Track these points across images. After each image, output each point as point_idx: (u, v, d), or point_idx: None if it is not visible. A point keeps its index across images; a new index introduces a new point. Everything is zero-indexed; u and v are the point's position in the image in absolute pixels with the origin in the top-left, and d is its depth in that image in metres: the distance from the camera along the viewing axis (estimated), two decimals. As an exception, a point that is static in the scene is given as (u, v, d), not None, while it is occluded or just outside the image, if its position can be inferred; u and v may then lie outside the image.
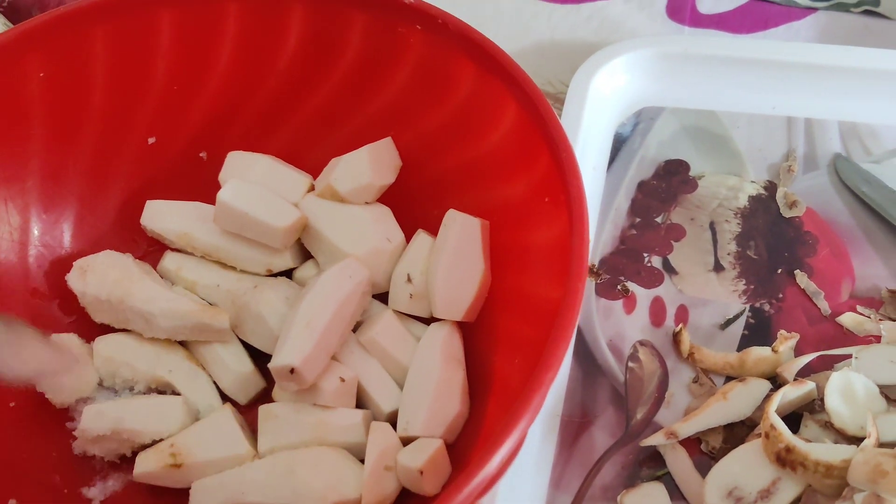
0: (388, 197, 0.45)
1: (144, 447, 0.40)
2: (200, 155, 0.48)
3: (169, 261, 0.45)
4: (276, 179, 0.45)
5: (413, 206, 0.45)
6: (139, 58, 0.46)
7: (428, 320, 0.42)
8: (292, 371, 0.38)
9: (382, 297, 0.43)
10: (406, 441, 0.38)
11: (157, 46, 0.46)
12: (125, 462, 0.41)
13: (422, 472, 0.36)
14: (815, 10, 0.58)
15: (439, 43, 0.43)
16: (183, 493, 0.39)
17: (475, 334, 0.41)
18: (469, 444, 0.38)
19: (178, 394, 0.42)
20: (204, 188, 0.46)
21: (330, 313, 0.40)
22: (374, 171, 0.44)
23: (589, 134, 0.51)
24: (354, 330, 0.42)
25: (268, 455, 0.39)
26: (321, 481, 0.37)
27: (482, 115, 0.42)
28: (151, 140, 0.47)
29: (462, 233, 0.42)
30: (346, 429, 0.39)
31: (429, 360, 0.40)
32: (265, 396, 0.42)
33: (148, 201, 0.46)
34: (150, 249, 0.46)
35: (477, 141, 0.42)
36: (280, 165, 0.46)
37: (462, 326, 0.41)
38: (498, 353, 0.40)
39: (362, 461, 0.38)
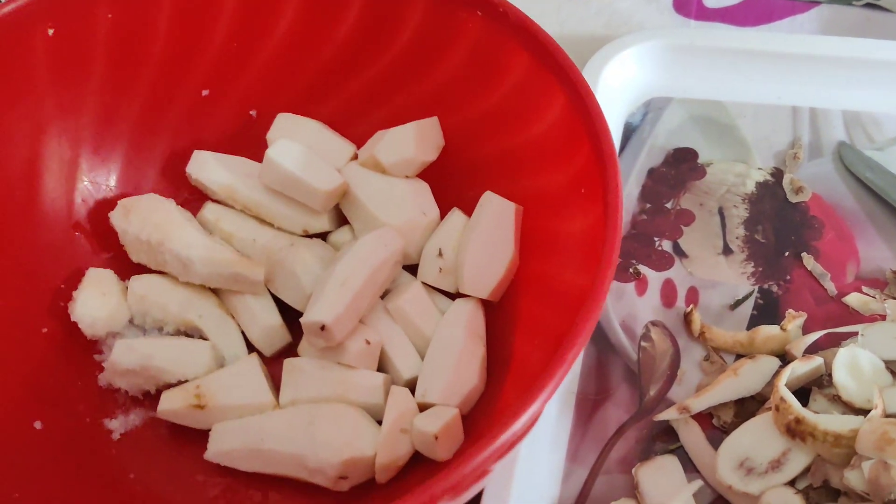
0: (429, 175, 0.46)
1: (169, 386, 0.42)
2: (251, 113, 0.49)
3: (209, 211, 0.46)
4: (322, 144, 0.46)
5: (451, 186, 0.46)
6: (203, 11, 0.47)
7: (454, 296, 0.43)
8: (323, 328, 0.39)
9: (412, 269, 0.45)
10: (423, 407, 0.39)
11: (223, 2, 0.47)
12: (148, 399, 0.43)
13: (437, 438, 0.37)
14: (818, 3, 0.60)
15: (496, 30, 0.44)
16: (200, 435, 0.40)
17: (498, 315, 0.42)
18: (481, 417, 0.40)
19: (206, 339, 0.43)
20: (250, 145, 0.48)
21: (364, 277, 0.41)
22: (417, 146, 0.46)
23: (600, 123, 0.52)
24: (383, 297, 0.43)
25: (288, 407, 0.40)
26: (339, 436, 0.38)
27: (529, 105, 0.43)
28: (205, 93, 0.48)
29: (496, 214, 0.43)
30: (367, 389, 0.40)
31: (452, 333, 0.41)
32: (289, 351, 0.44)
33: (195, 151, 0.47)
34: (191, 198, 0.47)
35: (521, 129, 0.44)
36: (327, 131, 0.47)
37: (485, 305, 0.43)
38: (518, 335, 0.41)
39: (378, 422, 0.39)
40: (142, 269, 0.45)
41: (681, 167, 0.51)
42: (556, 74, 0.41)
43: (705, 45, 0.54)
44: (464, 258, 0.43)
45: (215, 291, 0.44)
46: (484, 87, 0.45)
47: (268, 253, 0.44)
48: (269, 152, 0.44)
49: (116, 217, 0.45)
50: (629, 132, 0.53)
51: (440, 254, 0.44)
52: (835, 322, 0.44)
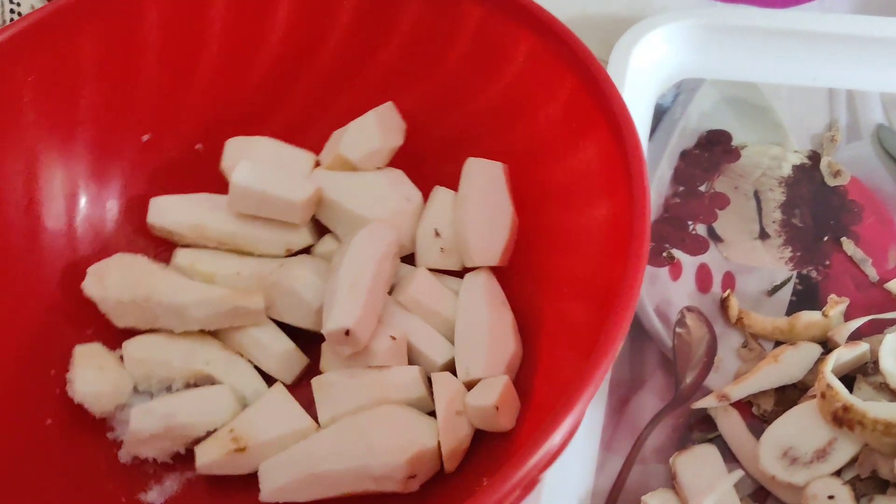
0: (434, 172, 0.45)
1: (198, 441, 0.39)
2: (196, 147, 0.47)
3: (181, 257, 0.44)
4: (280, 158, 0.45)
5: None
6: (127, 55, 0.45)
7: (459, 274, 0.42)
8: (347, 333, 0.38)
9: (408, 261, 0.43)
10: (469, 385, 0.38)
11: (145, 41, 0.45)
12: (179, 460, 0.40)
13: (497, 408, 0.36)
14: (850, -17, 0.59)
15: (498, 15, 0.42)
16: (244, 482, 0.38)
17: (517, 276, 0.42)
18: (529, 382, 0.38)
19: (219, 383, 0.41)
20: (204, 180, 0.46)
21: (371, 274, 0.40)
22: (382, 134, 0.44)
23: (630, 105, 0.50)
24: (390, 293, 0.42)
25: (330, 425, 0.38)
26: (395, 436, 0.37)
27: (537, 91, 0.42)
28: (146, 137, 0.46)
29: (485, 178, 0.43)
30: (405, 385, 0.39)
31: (474, 307, 0.40)
32: (308, 375, 0.42)
33: (152, 199, 0.45)
34: (159, 250, 0.45)
35: (530, 117, 0.42)
36: (281, 145, 0.46)
37: (500, 272, 0.42)
38: (546, 293, 0.40)
39: (427, 415, 0.38)
40: (130, 333, 0.42)
41: (714, 150, 0.50)
42: (563, 57, 0.40)
43: (737, 24, 0.53)
44: (465, 231, 0.42)
45: (214, 334, 0.42)
46: (488, 75, 0.44)
47: (257, 281, 0.42)
48: (235, 177, 0.42)
49: (90, 286, 0.42)
50: (660, 114, 0.52)
51: (437, 234, 0.42)
52: (877, 308, 0.43)
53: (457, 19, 0.44)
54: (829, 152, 0.49)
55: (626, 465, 0.40)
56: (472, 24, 0.44)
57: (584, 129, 0.40)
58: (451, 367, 0.39)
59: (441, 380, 0.38)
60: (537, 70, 0.42)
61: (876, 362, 0.39)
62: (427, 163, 0.45)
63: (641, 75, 0.52)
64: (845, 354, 0.39)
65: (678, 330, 0.44)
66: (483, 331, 0.39)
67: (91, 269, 0.42)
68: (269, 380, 0.42)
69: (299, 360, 0.42)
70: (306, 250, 0.44)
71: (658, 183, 0.49)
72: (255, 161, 0.44)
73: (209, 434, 0.39)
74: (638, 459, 0.40)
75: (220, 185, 0.45)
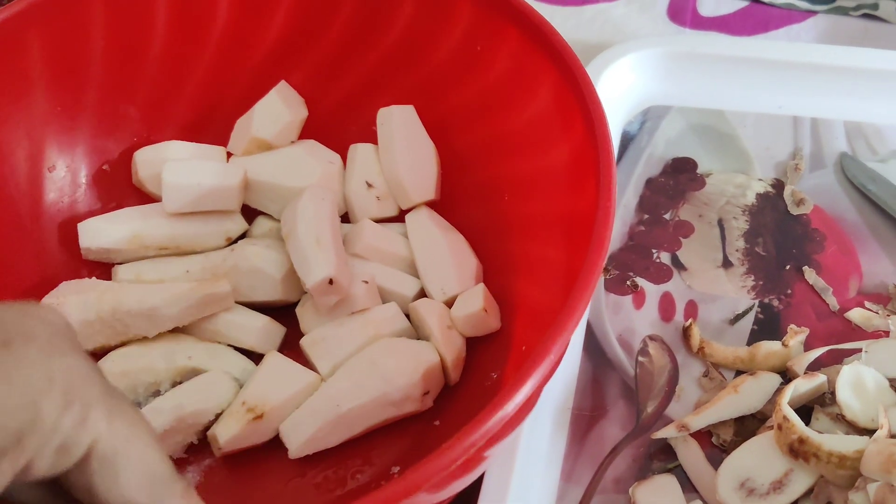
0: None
1: (208, 427, 0.40)
2: (104, 168, 0.47)
3: (123, 272, 0.44)
4: (192, 156, 0.46)
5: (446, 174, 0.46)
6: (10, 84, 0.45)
7: (398, 219, 0.45)
8: (331, 281, 0.40)
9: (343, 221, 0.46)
10: (448, 303, 0.42)
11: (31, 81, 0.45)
12: (193, 452, 0.41)
13: (486, 311, 0.41)
14: (814, 13, 0.59)
15: (485, 13, 0.43)
16: (262, 456, 0.40)
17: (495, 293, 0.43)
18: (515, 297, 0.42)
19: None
20: (120, 197, 0.47)
21: (329, 230, 0.42)
22: (289, 109, 0.47)
23: (596, 132, 0.51)
24: None
25: (332, 374, 0.40)
26: (403, 361, 0.39)
27: (517, 88, 0.43)
28: (52, 168, 0.46)
29: (401, 122, 0.46)
30: (390, 320, 0.41)
31: (428, 236, 0.44)
32: (286, 345, 0.43)
33: (79, 224, 0.45)
34: (95, 274, 0.45)
35: (513, 110, 0.43)
36: (189, 145, 0.47)
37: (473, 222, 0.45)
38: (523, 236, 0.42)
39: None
40: (100, 354, 0.42)
41: (679, 177, 0.50)
42: (547, 53, 0.41)
43: (705, 52, 0.53)
44: (398, 174, 0.44)
45: (186, 330, 0.43)
46: (473, 71, 0.45)
47: (209, 275, 0.43)
48: (167, 177, 0.44)
49: None
50: (627, 141, 0.52)
51: (370, 185, 0.45)
52: (837, 338, 0.43)
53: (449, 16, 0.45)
54: (792, 181, 0.49)
55: (587, 495, 0.40)
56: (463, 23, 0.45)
57: (536, 80, 0.41)
58: (420, 298, 0.42)
59: (424, 304, 0.41)
60: (519, 65, 0.43)
61: (833, 393, 0.39)
62: (449, 171, 0.47)
63: (609, 102, 0.51)
64: (803, 386, 0.39)
65: (641, 359, 0.44)
66: (444, 253, 0.43)
67: (45, 302, 0.42)
68: (252, 358, 0.43)
69: (277, 330, 0.43)
70: (241, 237, 0.46)
71: (623, 211, 0.49)
72: (176, 162, 0.45)
73: (218, 416, 0.40)
74: (598, 490, 0.40)
75: (136, 199, 0.46)
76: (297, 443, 0.39)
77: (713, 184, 0.50)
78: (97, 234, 0.45)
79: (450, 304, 0.42)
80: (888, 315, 0.44)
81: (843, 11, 0.59)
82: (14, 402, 0.22)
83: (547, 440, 0.41)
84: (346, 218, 0.46)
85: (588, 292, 0.32)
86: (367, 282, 0.42)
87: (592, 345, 0.44)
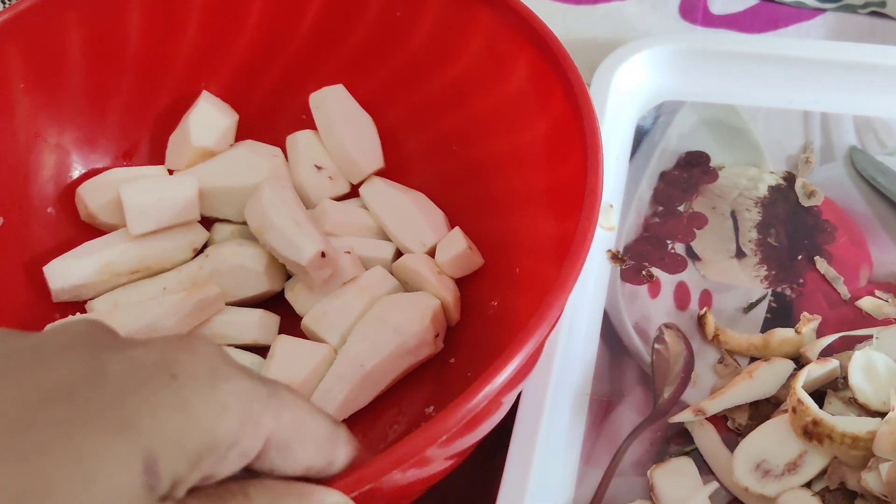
0: (397, 161, 0.49)
1: None
2: (48, 211, 0.47)
3: (99, 304, 0.45)
4: (137, 179, 0.47)
5: (416, 168, 0.49)
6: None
7: (350, 196, 0.48)
8: (323, 254, 0.42)
9: None
10: (430, 253, 0.45)
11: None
12: None
13: (470, 248, 0.44)
14: (823, 10, 0.60)
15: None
16: None
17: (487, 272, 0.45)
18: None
19: None
20: (72, 236, 0.47)
21: (301, 211, 0.44)
22: (222, 114, 0.49)
23: (612, 127, 0.52)
24: None
25: (342, 344, 0.42)
26: (408, 312, 0.42)
27: (494, 67, 0.44)
28: (50, 210, 0.47)
29: (335, 101, 0.48)
30: (381, 281, 0.44)
31: (390, 198, 0.46)
32: (281, 332, 0.45)
33: (44, 268, 0.45)
34: (70, 314, 0.45)
35: (491, 90, 0.45)
36: (129, 169, 0.48)
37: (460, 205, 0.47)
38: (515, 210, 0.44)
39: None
40: None
41: (693, 170, 0.51)
42: (523, 32, 0.43)
43: (716, 49, 0.55)
44: (346, 150, 0.47)
45: None
46: (447, 58, 0.46)
47: (190, 284, 0.45)
48: (127, 200, 0.44)
49: None
50: (641, 136, 0.53)
51: (319, 168, 0.47)
52: (848, 326, 0.44)
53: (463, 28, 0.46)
54: (803, 173, 0.50)
55: (606, 477, 0.41)
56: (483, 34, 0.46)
57: (514, 58, 0.43)
58: (397, 259, 0.45)
59: (411, 259, 0.44)
60: (495, 46, 0.45)
61: (846, 378, 0.40)
62: (424, 158, 0.49)
63: (623, 98, 0.54)
64: (816, 370, 0.40)
65: (657, 346, 0.45)
66: (412, 209, 0.46)
67: None
68: (254, 352, 0.44)
69: (273, 320, 0.45)
70: (204, 247, 0.47)
71: (638, 203, 0.50)
72: (131, 184, 0.45)
73: None
74: (617, 472, 0.41)
75: (88, 235, 0.46)
76: (332, 410, 0.41)
77: (726, 177, 0.51)
78: (65, 272, 0.44)
79: (430, 254, 0.45)
80: (898, 303, 0.45)
81: (851, 9, 0.60)
82: (192, 429, 0.23)
83: (566, 425, 0.42)
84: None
85: (596, 207, 0.35)
86: (349, 252, 0.45)
87: (609, 333, 0.46)
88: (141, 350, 0.24)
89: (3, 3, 0.56)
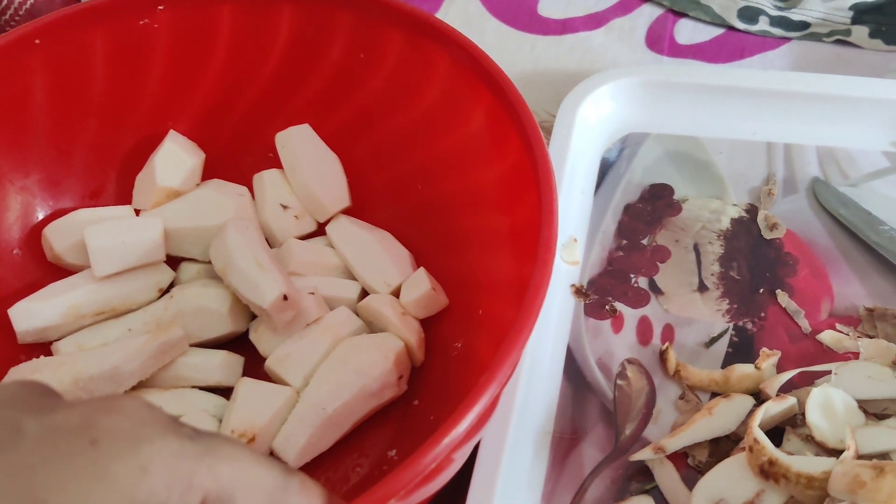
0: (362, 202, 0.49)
1: None
2: (14, 253, 0.47)
3: (65, 346, 0.44)
4: (100, 220, 0.47)
5: (381, 206, 0.49)
6: None
7: (317, 234, 0.48)
8: (285, 297, 0.42)
9: None
10: (394, 293, 0.45)
11: None
12: None
13: (434, 289, 0.44)
14: (788, 39, 0.61)
15: (420, 41, 0.46)
16: None
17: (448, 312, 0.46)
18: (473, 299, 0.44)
19: None
20: (39, 277, 0.47)
21: (264, 252, 0.44)
22: (188, 153, 0.49)
23: (576, 159, 0.52)
24: None
25: (305, 386, 0.42)
26: (371, 353, 0.42)
27: (454, 109, 0.45)
28: (17, 252, 0.47)
29: (301, 140, 0.48)
30: (344, 322, 0.44)
31: (356, 238, 0.47)
32: (245, 373, 0.45)
33: (9, 311, 0.45)
34: (35, 356, 0.44)
35: (449, 133, 0.46)
36: (95, 210, 0.48)
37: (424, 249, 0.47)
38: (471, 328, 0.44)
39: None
40: None
41: (657, 203, 0.52)
42: (480, 77, 0.43)
43: (681, 81, 0.55)
44: (311, 190, 0.48)
45: (147, 384, 0.43)
46: (408, 99, 0.47)
47: (155, 325, 0.45)
48: (91, 243, 0.44)
49: None
50: (606, 168, 0.54)
51: (285, 207, 0.47)
52: (809, 359, 0.45)
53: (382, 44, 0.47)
54: (766, 206, 0.51)
55: (567, 516, 0.41)
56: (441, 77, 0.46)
57: (473, 102, 0.44)
58: (362, 298, 0.45)
59: (375, 299, 0.44)
60: (454, 89, 0.45)
61: (804, 414, 0.41)
62: (379, 197, 0.50)
63: (589, 130, 0.54)
64: (773, 408, 0.41)
65: (619, 382, 0.45)
66: (377, 249, 0.46)
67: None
68: (217, 393, 0.44)
69: (237, 361, 0.45)
70: (171, 286, 0.47)
71: (603, 236, 0.51)
72: (96, 226, 0.45)
73: None
74: (578, 511, 0.41)
75: (55, 275, 0.46)
76: (294, 453, 0.40)
77: (689, 209, 0.51)
78: (31, 315, 0.44)
79: (395, 294, 0.45)
80: (858, 337, 0.45)
81: (816, 37, 0.60)
82: (110, 497, 0.23)
83: (528, 463, 0.43)
84: (268, 243, 0.47)
85: (551, 253, 0.35)
86: (313, 293, 0.44)
87: (572, 369, 0.46)
88: (63, 414, 0.24)
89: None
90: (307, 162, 0.48)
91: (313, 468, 0.41)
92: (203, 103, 0.50)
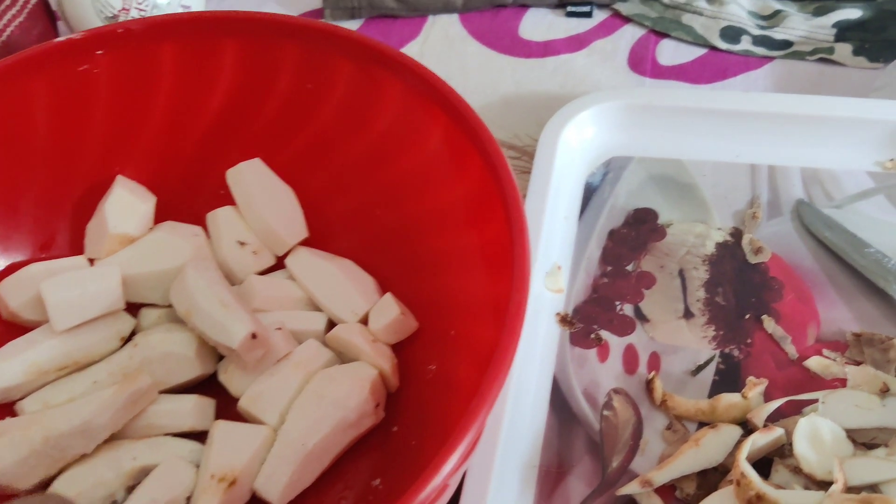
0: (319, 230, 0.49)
1: None
2: None
3: (29, 404, 0.43)
4: (54, 272, 0.46)
5: (341, 234, 0.49)
6: None
7: (276, 268, 0.48)
8: (254, 336, 0.42)
9: None
10: (363, 321, 0.45)
11: None
12: None
13: (403, 314, 0.44)
14: (771, 59, 0.60)
15: (369, 68, 0.46)
16: None
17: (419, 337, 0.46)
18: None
19: (153, 468, 0.42)
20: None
21: (226, 291, 0.44)
22: (138, 198, 0.48)
23: (560, 184, 0.52)
24: None
25: (281, 424, 0.42)
26: (345, 385, 0.42)
27: (409, 133, 0.45)
28: None
29: (253, 175, 0.48)
30: (315, 355, 0.44)
31: (318, 269, 0.46)
32: (217, 415, 0.44)
33: None
34: None
35: (405, 156, 0.46)
36: (47, 263, 0.47)
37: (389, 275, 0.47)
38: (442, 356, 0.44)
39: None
40: (46, 484, 0.41)
41: (641, 228, 0.51)
42: (434, 99, 0.43)
43: (663, 104, 0.55)
44: (268, 224, 0.47)
45: (118, 436, 0.43)
46: (361, 126, 0.47)
47: (121, 375, 0.44)
48: (48, 297, 0.44)
49: None
50: (590, 192, 0.53)
51: (242, 244, 0.47)
52: (796, 386, 0.44)
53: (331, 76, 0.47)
54: (750, 229, 0.50)
55: (554, 552, 0.41)
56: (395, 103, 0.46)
57: (428, 124, 0.44)
58: (329, 329, 0.45)
59: (343, 329, 0.44)
60: (408, 113, 0.45)
61: (792, 444, 0.40)
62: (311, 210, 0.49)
63: (572, 154, 0.54)
64: (760, 440, 0.40)
65: (605, 413, 0.45)
66: (339, 279, 0.46)
67: None
68: (191, 438, 0.43)
69: (208, 404, 0.44)
70: (132, 334, 0.46)
71: (587, 263, 0.50)
72: (52, 280, 0.44)
73: (189, 500, 0.41)
74: (565, 546, 0.41)
75: (11, 333, 0.45)
76: (277, 492, 0.40)
77: (674, 234, 0.51)
78: None
79: (363, 321, 0.45)
80: (845, 363, 0.45)
81: (799, 56, 0.60)
82: None
83: (514, 498, 0.42)
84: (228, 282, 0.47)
85: (526, 266, 0.35)
86: (280, 328, 0.44)
87: (558, 400, 0.45)
88: None
89: None
90: (261, 196, 0.48)
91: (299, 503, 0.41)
92: (150, 145, 0.49)
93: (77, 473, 0.41)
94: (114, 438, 0.42)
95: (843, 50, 0.60)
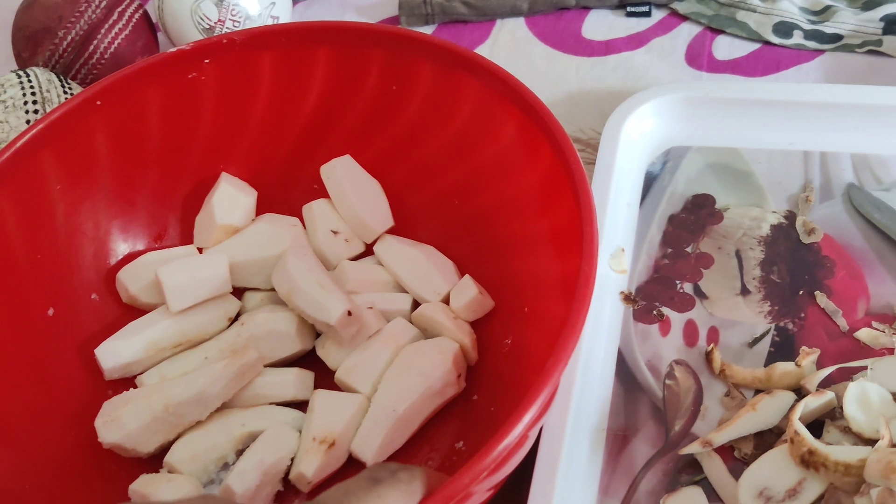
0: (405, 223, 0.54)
1: (286, 473, 0.46)
2: (93, 297, 0.51)
3: (148, 378, 0.48)
4: (171, 260, 0.51)
5: (422, 223, 0.53)
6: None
7: (365, 254, 0.53)
8: (349, 313, 0.46)
9: None
10: (444, 300, 0.49)
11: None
12: (279, 500, 0.46)
13: (481, 293, 0.49)
14: (822, 52, 0.63)
15: (448, 71, 0.50)
16: (341, 479, 0.42)
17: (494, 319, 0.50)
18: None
19: (260, 434, 0.46)
20: (116, 318, 0.50)
21: (325, 275, 0.49)
22: (243, 192, 0.53)
23: (622, 174, 0.56)
24: None
25: (373, 392, 0.46)
26: (430, 356, 0.46)
27: (484, 128, 0.49)
28: (51, 311, 0.49)
29: (345, 170, 0.52)
30: (403, 331, 0.48)
31: (403, 254, 0.51)
32: (316, 386, 0.49)
33: (96, 350, 0.48)
34: (122, 390, 0.48)
35: (481, 149, 0.50)
36: (162, 252, 0.52)
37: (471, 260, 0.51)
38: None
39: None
40: (165, 449, 0.46)
41: (700, 213, 0.55)
42: (508, 96, 0.47)
43: (720, 96, 0.58)
44: (357, 214, 0.52)
45: (229, 405, 0.47)
46: (440, 123, 0.51)
47: (229, 351, 0.48)
48: (166, 281, 0.49)
49: (106, 434, 0.45)
50: (650, 181, 0.57)
51: (335, 233, 0.52)
52: (847, 356, 0.47)
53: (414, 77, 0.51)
54: (803, 212, 0.54)
55: (622, 506, 0.45)
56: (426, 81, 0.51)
57: (502, 119, 0.48)
58: (414, 308, 0.50)
59: (429, 308, 0.49)
60: (484, 110, 0.49)
61: (842, 407, 0.44)
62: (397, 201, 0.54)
63: (633, 145, 0.57)
64: (813, 402, 0.44)
65: (668, 382, 0.48)
66: (423, 262, 0.50)
67: (98, 422, 0.46)
68: (293, 407, 0.48)
69: (308, 377, 0.49)
70: (238, 315, 0.51)
71: (649, 246, 0.54)
72: (167, 266, 0.50)
73: (293, 461, 0.45)
74: (633, 502, 0.45)
75: (130, 315, 0.50)
76: (372, 453, 0.45)
77: (730, 217, 0.54)
78: (116, 353, 0.48)
79: (445, 301, 0.49)
80: (893, 333, 0.48)
81: (849, 49, 0.63)
82: None
83: (585, 458, 0.46)
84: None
85: (594, 246, 0.39)
86: (371, 307, 0.49)
87: (623, 371, 0.49)
88: None
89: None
90: (351, 189, 0.53)
91: None
92: (251, 145, 0.54)
93: (193, 438, 0.47)
94: (224, 407, 0.48)
95: (891, 42, 0.62)
